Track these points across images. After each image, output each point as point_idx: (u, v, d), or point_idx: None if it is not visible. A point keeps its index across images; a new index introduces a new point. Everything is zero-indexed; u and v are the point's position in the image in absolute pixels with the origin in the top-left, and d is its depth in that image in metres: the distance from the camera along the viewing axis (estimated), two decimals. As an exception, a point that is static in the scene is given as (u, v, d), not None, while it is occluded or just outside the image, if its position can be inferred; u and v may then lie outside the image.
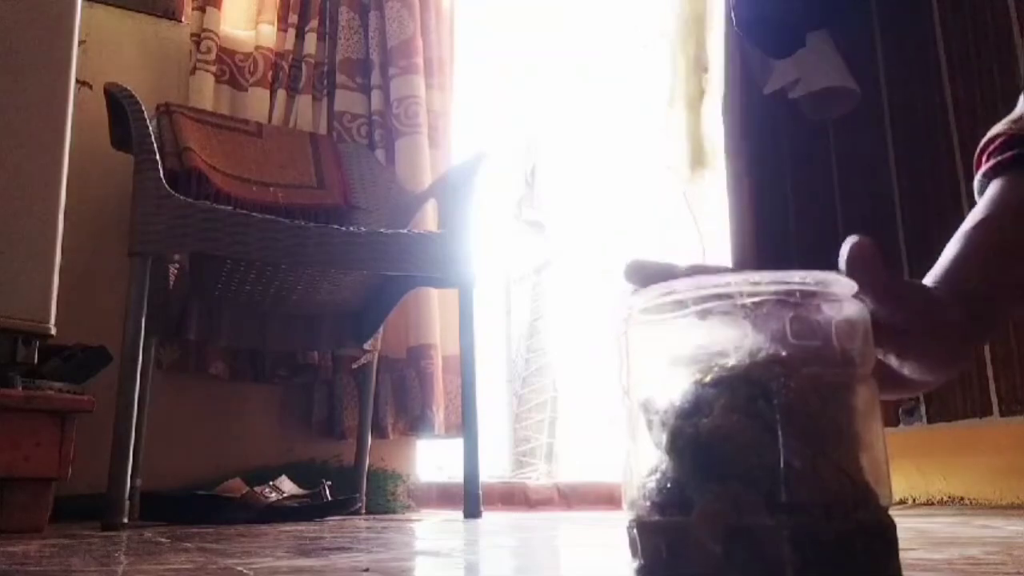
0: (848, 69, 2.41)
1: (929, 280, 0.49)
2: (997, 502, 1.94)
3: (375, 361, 1.95)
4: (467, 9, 2.42)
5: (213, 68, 1.97)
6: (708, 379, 0.33)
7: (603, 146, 2.91)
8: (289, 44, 2.07)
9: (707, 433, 0.32)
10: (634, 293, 0.37)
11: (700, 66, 2.29)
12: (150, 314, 1.37)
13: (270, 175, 1.84)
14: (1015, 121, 0.58)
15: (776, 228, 2.52)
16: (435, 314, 2.02)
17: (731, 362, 0.33)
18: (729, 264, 2.43)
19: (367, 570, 0.60)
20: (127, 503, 1.28)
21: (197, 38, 1.97)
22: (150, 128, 1.45)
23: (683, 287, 0.36)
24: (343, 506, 1.68)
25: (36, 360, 1.22)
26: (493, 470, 2.53)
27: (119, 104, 1.50)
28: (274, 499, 1.57)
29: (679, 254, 2.64)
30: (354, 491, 1.82)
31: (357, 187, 1.96)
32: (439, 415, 1.96)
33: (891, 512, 0.35)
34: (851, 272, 0.41)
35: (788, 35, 2.44)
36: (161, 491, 1.61)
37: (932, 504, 2.06)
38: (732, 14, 2.37)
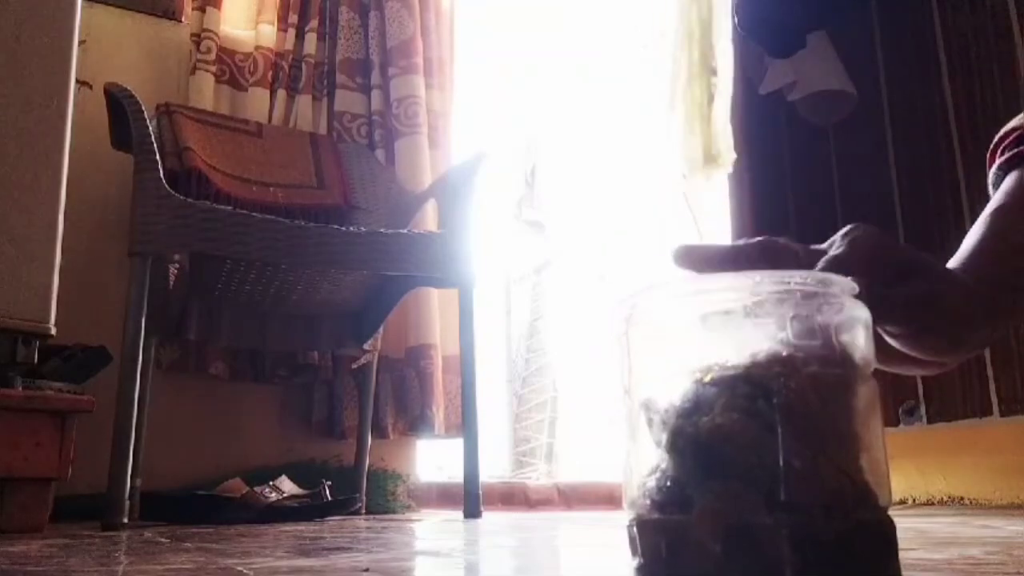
0: (846, 72, 2.41)
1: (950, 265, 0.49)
2: (997, 502, 1.94)
3: (375, 361, 1.95)
4: (467, 9, 2.42)
5: (213, 68, 1.97)
6: (708, 378, 0.33)
7: (603, 146, 2.91)
8: (289, 44, 2.07)
9: (707, 432, 0.32)
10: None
11: (709, 69, 2.29)
12: (150, 314, 1.37)
13: (270, 175, 1.84)
14: None
15: (776, 228, 2.52)
16: (435, 314, 2.02)
17: (731, 361, 0.33)
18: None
19: (367, 570, 0.60)
20: (127, 503, 1.28)
21: (197, 38, 1.97)
22: (150, 128, 1.45)
23: (681, 288, 0.36)
24: (343, 506, 1.68)
25: (36, 360, 1.22)
26: (493, 470, 2.53)
27: (119, 104, 1.50)
28: (274, 499, 1.57)
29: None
30: (354, 491, 1.82)
31: (357, 187, 1.96)
32: (439, 415, 1.96)
33: (891, 512, 0.35)
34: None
35: (789, 36, 2.45)
36: (161, 491, 1.61)
37: (932, 504, 2.06)
38: (735, 15, 2.37)
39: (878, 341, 0.45)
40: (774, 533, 0.31)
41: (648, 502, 0.35)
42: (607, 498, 2.21)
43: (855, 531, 0.32)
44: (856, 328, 0.35)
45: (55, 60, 1.29)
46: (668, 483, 0.34)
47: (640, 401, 0.36)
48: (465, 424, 1.63)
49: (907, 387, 2.15)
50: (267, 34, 2.05)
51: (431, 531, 1.24)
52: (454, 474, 2.10)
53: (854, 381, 0.34)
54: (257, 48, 2.04)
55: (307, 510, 1.58)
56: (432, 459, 2.20)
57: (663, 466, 0.34)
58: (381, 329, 1.93)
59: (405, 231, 1.72)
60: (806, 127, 2.54)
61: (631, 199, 2.87)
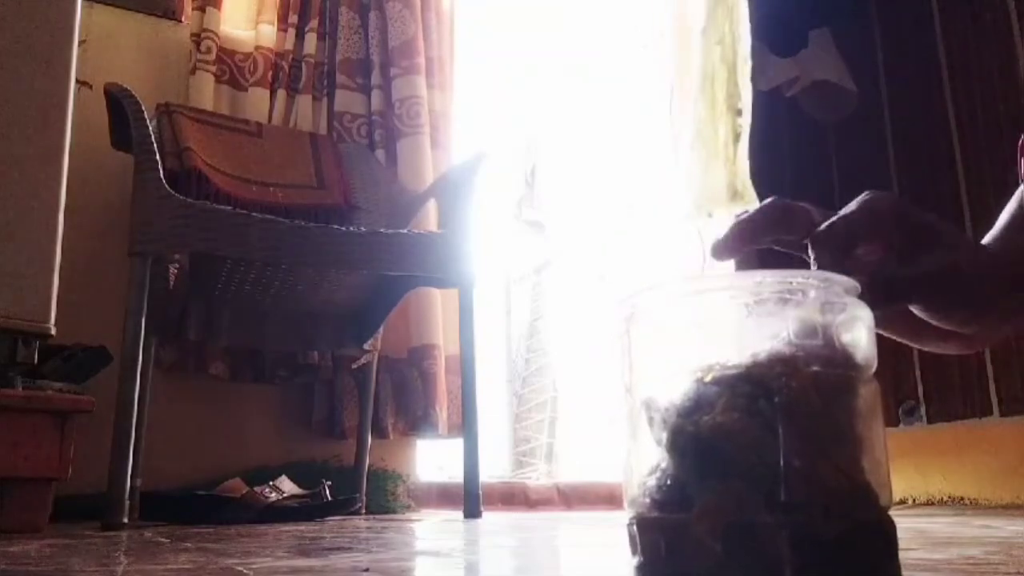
0: (848, 71, 2.42)
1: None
2: (997, 502, 1.94)
3: (375, 361, 1.95)
4: (467, 9, 2.42)
5: (213, 68, 1.97)
6: (709, 377, 0.33)
7: (603, 146, 2.91)
8: (289, 44, 2.07)
9: (708, 431, 0.32)
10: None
11: (734, 110, 2.27)
12: (150, 314, 1.37)
13: (270, 175, 1.84)
14: None
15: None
16: (438, 314, 2.02)
17: (732, 361, 0.33)
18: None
19: (367, 570, 0.60)
20: (127, 503, 1.28)
21: (197, 38, 1.97)
22: (150, 128, 1.45)
23: (682, 287, 0.36)
24: (343, 506, 1.68)
25: (36, 360, 1.22)
26: (493, 470, 2.53)
27: (119, 104, 1.50)
28: (274, 499, 1.57)
29: (679, 254, 2.64)
30: (354, 491, 1.82)
31: (357, 187, 1.96)
32: (442, 415, 1.96)
33: (891, 512, 0.35)
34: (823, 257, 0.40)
35: (790, 33, 2.45)
36: (161, 491, 1.61)
37: (932, 504, 2.06)
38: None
39: (911, 319, 0.44)
40: (774, 532, 0.31)
41: (648, 501, 0.35)
42: (607, 498, 2.21)
43: (855, 531, 0.32)
44: (858, 328, 0.35)
45: (55, 60, 1.29)
46: (668, 482, 0.34)
47: (641, 400, 0.36)
48: (465, 424, 1.63)
49: (907, 387, 2.15)
50: (267, 34, 2.05)
51: (431, 531, 1.24)
52: (454, 474, 2.10)
53: (856, 381, 0.34)
54: (257, 48, 2.04)
55: (307, 510, 1.58)
56: (432, 459, 2.21)
57: (663, 465, 0.34)
58: (381, 329, 1.93)
59: (405, 231, 1.72)
60: (807, 126, 2.54)
61: (631, 199, 2.87)
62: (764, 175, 2.54)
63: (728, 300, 0.35)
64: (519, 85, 2.86)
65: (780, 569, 0.31)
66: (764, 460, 0.31)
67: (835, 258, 0.40)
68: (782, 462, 0.31)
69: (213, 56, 1.97)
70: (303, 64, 2.06)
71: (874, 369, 0.35)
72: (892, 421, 2.15)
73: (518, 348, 2.87)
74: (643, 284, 0.35)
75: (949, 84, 2.23)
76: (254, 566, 0.61)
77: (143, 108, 1.46)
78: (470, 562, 0.72)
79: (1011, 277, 0.44)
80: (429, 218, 2.00)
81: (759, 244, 0.43)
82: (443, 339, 2.02)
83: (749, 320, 0.34)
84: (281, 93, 2.03)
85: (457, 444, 1.72)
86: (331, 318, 1.88)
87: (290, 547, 0.83)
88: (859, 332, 0.35)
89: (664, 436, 0.34)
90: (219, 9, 2.00)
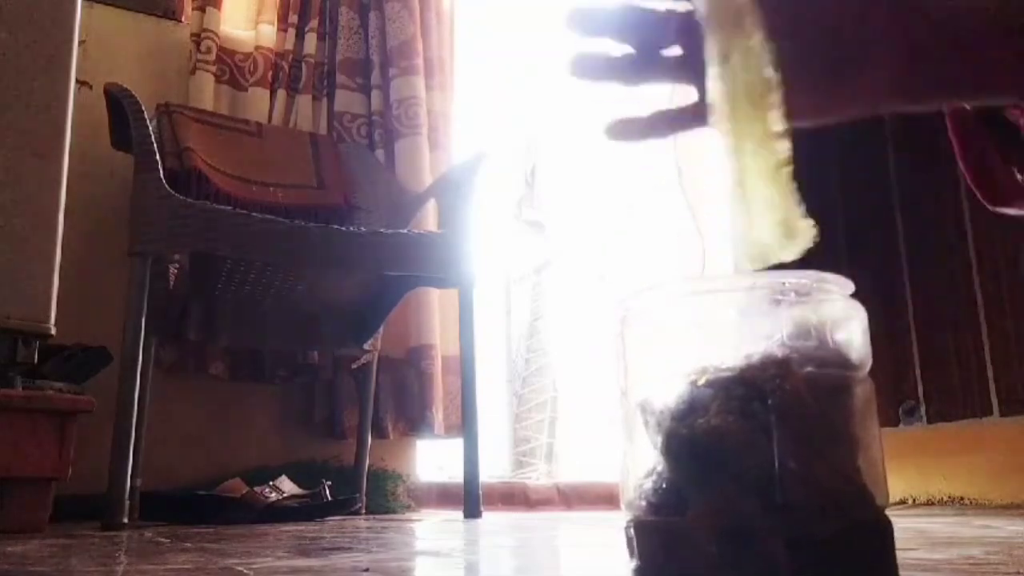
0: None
1: None
2: (997, 502, 1.94)
3: (375, 361, 1.95)
4: (467, 9, 2.42)
5: (213, 68, 1.97)
6: (703, 380, 0.33)
7: (603, 146, 2.90)
8: (289, 44, 2.07)
9: (702, 434, 0.32)
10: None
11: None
12: (150, 314, 1.37)
13: (270, 175, 1.84)
14: None
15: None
16: (435, 314, 2.02)
17: (727, 363, 0.33)
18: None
19: (367, 570, 0.60)
20: (127, 503, 1.28)
21: (197, 38, 1.97)
22: (150, 128, 1.45)
23: (675, 290, 0.36)
24: (343, 506, 1.68)
25: (36, 360, 1.22)
26: (493, 470, 2.53)
27: (119, 104, 1.50)
28: (274, 499, 1.57)
29: (679, 254, 2.64)
30: (354, 491, 1.82)
31: (357, 187, 1.96)
32: (439, 415, 1.96)
33: (891, 512, 0.35)
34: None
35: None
36: (161, 491, 1.61)
37: (932, 504, 2.06)
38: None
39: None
40: (770, 534, 0.31)
41: (644, 504, 0.35)
42: (607, 498, 2.21)
43: (851, 531, 0.32)
44: (851, 327, 0.35)
45: (55, 60, 1.29)
46: (664, 485, 0.34)
47: (637, 402, 0.36)
48: (465, 424, 1.63)
49: (907, 387, 2.15)
50: (267, 34, 2.05)
51: (431, 531, 1.24)
52: (454, 474, 2.10)
53: (850, 381, 0.34)
54: (257, 48, 2.04)
55: (307, 510, 1.58)
56: (432, 459, 2.20)
57: (659, 468, 0.34)
58: (381, 329, 1.93)
59: (405, 231, 1.72)
60: (806, 127, 2.53)
61: (631, 199, 2.87)
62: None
63: (722, 302, 0.35)
64: (519, 85, 2.86)
65: (776, 570, 0.31)
66: (758, 462, 0.31)
67: None
68: (776, 464, 0.31)
69: (213, 56, 1.97)
70: (303, 64, 2.06)
71: (868, 368, 0.35)
72: (892, 421, 2.15)
73: (518, 348, 2.87)
74: (637, 287, 0.35)
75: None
76: (254, 566, 0.61)
77: (143, 108, 1.46)
78: (470, 562, 0.72)
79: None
80: (429, 218, 2.00)
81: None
82: (440, 339, 2.02)
83: (743, 322, 0.34)
84: (281, 93, 2.03)
85: (457, 444, 1.72)
86: (331, 318, 1.88)
87: (290, 547, 0.83)
88: (853, 331, 0.35)
89: (659, 439, 0.34)
90: (219, 9, 2.00)
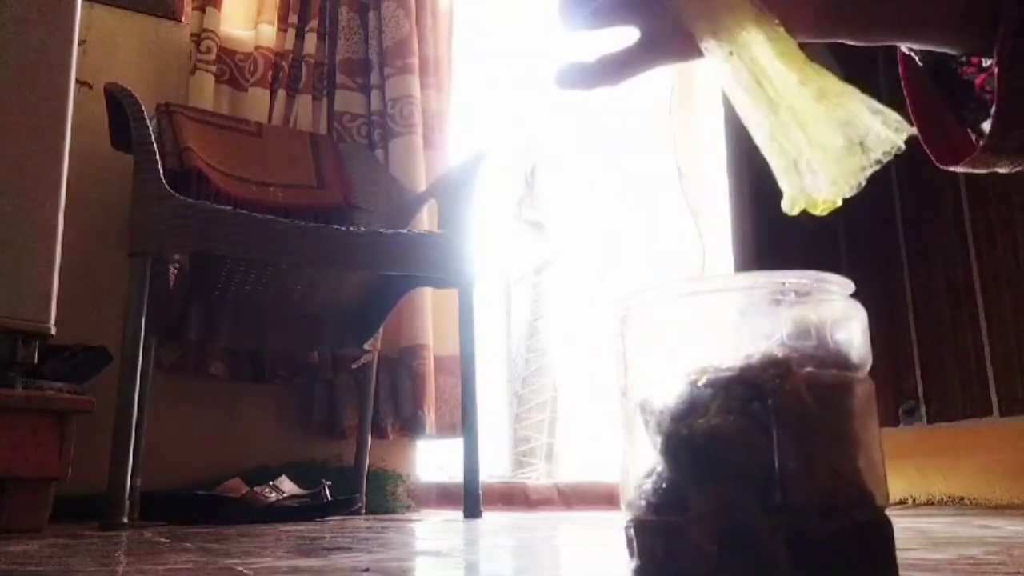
0: (840, 67, 2.41)
1: None
2: (997, 502, 1.94)
3: (375, 361, 1.95)
4: (466, 9, 2.42)
5: (213, 68, 1.97)
6: (703, 380, 0.33)
7: (603, 146, 2.90)
8: (289, 44, 2.07)
9: (702, 434, 0.32)
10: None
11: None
12: (150, 314, 1.37)
13: (270, 175, 1.84)
14: None
15: (777, 227, 2.52)
16: (427, 314, 2.01)
17: (726, 363, 0.33)
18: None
19: (367, 570, 0.60)
20: (127, 503, 1.28)
21: (197, 38, 1.97)
22: (150, 128, 1.45)
23: (675, 290, 0.36)
24: (343, 506, 1.68)
25: (36, 360, 1.22)
26: (493, 470, 2.53)
27: (119, 104, 1.50)
28: (274, 499, 1.57)
29: (679, 254, 2.64)
30: (354, 491, 1.82)
31: (357, 187, 1.96)
32: (430, 416, 1.96)
33: (891, 512, 0.35)
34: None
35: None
36: (161, 491, 1.61)
37: (932, 504, 2.06)
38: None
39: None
40: (770, 534, 0.31)
41: (644, 504, 0.35)
42: (607, 498, 2.21)
43: (851, 531, 0.32)
44: (852, 327, 0.35)
45: (55, 60, 1.29)
46: (664, 485, 0.34)
47: (637, 402, 0.36)
48: (465, 424, 1.63)
49: (907, 387, 2.15)
50: (267, 34, 2.05)
51: (431, 531, 1.24)
52: (454, 474, 2.10)
53: (850, 381, 0.34)
54: (257, 48, 2.04)
55: (307, 510, 1.58)
56: (432, 459, 2.20)
57: (659, 468, 0.34)
58: (381, 329, 1.93)
59: (405, 231, 1.72)
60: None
61: (631, 199, 2.87)
62: (765, 178, 2.54)
63: (722, 302, 0.35)
64: (519, 85, 2.86)
65: (776, 570, 0.31)
66: (758, 462, 0.31)
67: None
68: (776, 464, 0.31)
69: (213, 56, 1.97)
70: (303, 64, 2.06)
71: (868, 368, 0.35)
72: (892, 421, 2.15)
73: (518, 348, 2.87)
74: (637, 287, 0.35)
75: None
76: (254, 566, 0.61)
77: (143, 108, 1.46)
78: (470, 562, 0.72)
79: None
80: (429, 218, 2.00)
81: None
82: (439, 339, 2.02)
83: (743, 322, 0.34)
84: (281, 93, 2.03)
85: (457, 444, 1.72)
86: (331, 318, 1.88)
87: (290, 547, 0.83)
88: (853, 331, 0.35)
89: (659, 439, 0.34)
90: (219, 9, 2.00)
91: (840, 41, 0.44)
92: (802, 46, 0.39)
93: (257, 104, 2.01)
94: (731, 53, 0.37)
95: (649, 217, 2.81)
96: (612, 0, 0.43)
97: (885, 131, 0.34)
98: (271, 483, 1.64)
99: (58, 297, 1.23)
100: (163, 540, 0.95)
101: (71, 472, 1.19)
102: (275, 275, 1.68)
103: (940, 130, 0.50)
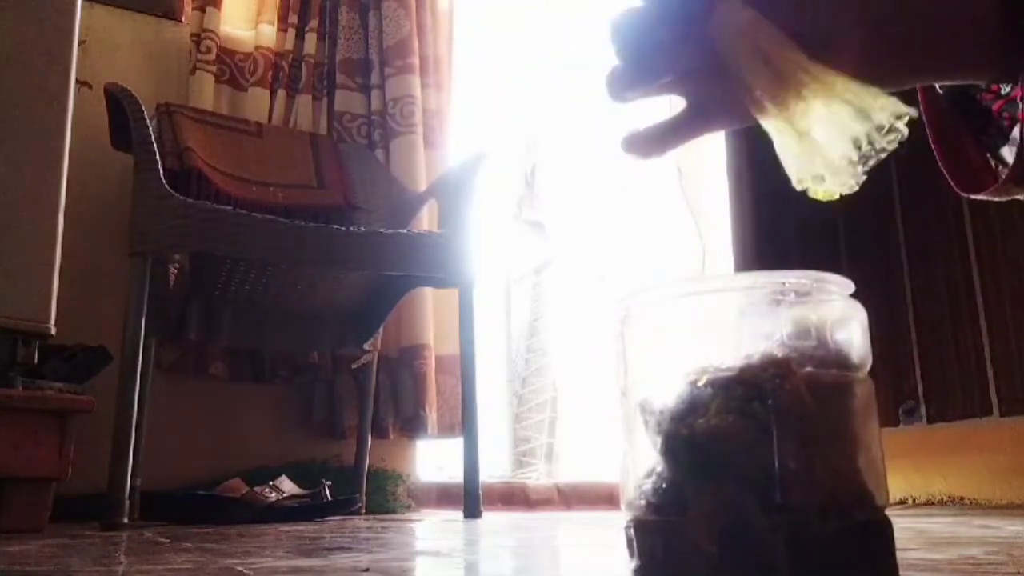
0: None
1: None
2: (997, 502, 1.94)
3: (375, 361, 1.95)
4: (466, 8, 2.42)
5: (213, 68, 1.97)
6: (703, 380, 0.33)
7: (603, 146, 2.90)
8: (289, 44, 2.07)
9: (702, 434, 0.32)
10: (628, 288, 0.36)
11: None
12: (150, 314, 1.37)
13: (270, 175, 1.84)
14: None
15: (777, 227, 2.52)
16: (428, 314, 2.01)
17: (726, 363, 0.33)
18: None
19: (367, 570, 0.60)
20: (127, 503, 1.28)
21: (197, 38, 1.97)
22: (150, 128, 1.45)
23: (675, 289, 0.36)
24: (343, 506, 1.68)
25: (36, 360, 1.22)
26: (493, 470, 2.53)
27: (119, 104, 1.50)
28: (274, 499, 1.57)
29: (678, 254, 2.64)
30: (354, 491, 1.82)
31: (357, 187, 1.96)
32: (432, 416, 1.96)
33: (891, 512, 0.35)
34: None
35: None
36: (161, 491, 1.61)
37: (932, 504, 2.06)
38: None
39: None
40: (770, 534, 0.31)
41: (644, 503, 0.35)
42: (607, 498, 2.21)
43: (851, 531, 0.32)
44: (852, 327, 0.35)
45: (55, 60, 1.29)
46: (664, 485, 0.34)
47: (637, 402, 0.36)
48: (465, 424, 1.63)
49: (907, 387, 2.15)
50: (267, 34, 2.05)
51: (431, 531, 1.24)
52: (454, 474, 2.10)
53: (850, 381, 0.34)
54: (257, 48, 2.04)
55: (307, 510, 1.58)
56: (432, 459, 2.20)
57: (659, 468, 0.34)
58: (381, 329, 1.93)
59: (405, 231, 1.72)
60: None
61: (631, 199, 2.87)
62: (765, 178, 2.54)
63: (722, 302, 0.35)
64: (519, 84, 2.86)
65: (776, 570, 0.31)
66: (758, 462, 0.31)
67: None
68: (776, 464, 0.31)
69: (213, 56, 1.97)
70: (303, 64, 2.06)
71: (868, 368, 0.35)
72: (892, 421, 2.15)
73: (518, 348, 2.87)
74: (637, 286, 0.35)
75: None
76: (254, 566, 0.61)
77: (143, 108, 1.46)
78: (470, 562, 0.72)
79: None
80: (429, 218, 2.00)
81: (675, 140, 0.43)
82: (439, 339, 2.02)
83: (743, 322, 0.34)
84: (281, 93, 2.03)
85: (457, 444, 1.72)
86: (331, 318, 1.88)
87: (290, 547, 0.83)
88: (853, 331, 0.35)
89: (659, 439, 0.34)
90: (219, 9, 2.00)
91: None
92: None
93: (257, 104, 2.01)
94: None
95: (649, 217, 2.81)
96: (659, 68, 0.43)
97: (888, 119, 0.34)
98: (271, 483, 1.64)
99: (58, 297, 1.23)
100: (163, 540, 0.95)
101: (71, 472, 1.19)
102: (275, 275, 1.68)
103: (960, 157, 0.51)
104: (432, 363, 1.99)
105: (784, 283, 0.34)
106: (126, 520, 1.26)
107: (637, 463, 0.36)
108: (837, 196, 0.36)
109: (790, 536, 0.31)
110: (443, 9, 2.28)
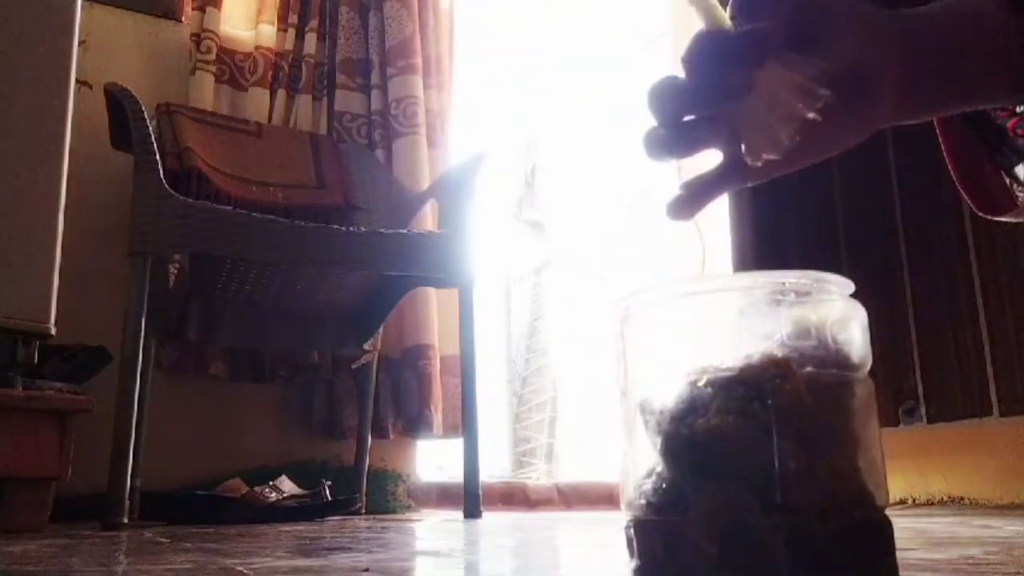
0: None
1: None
2: (997, 502, 1.94)
3: (375, 361, 1.95)
4: (467, 8, 2.42)
5: (213, 68, 1.97)
6: (703, 380, 0.33)
7: (603, 146, 2.91)
8: (289, 44, 2.07)
9: (702, 434, 0.32)
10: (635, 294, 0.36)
11: None
12: (150, 314, 1.37)
13: (270, 175, 1.84)
14: None
15: (776, 228, 2.52)
16: (433, 314, 2.01)
17: (726, 363, 0.33)
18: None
19: (367, 570, 0.60)
20: (127, 503, 1.28)
21: (197, 38, 1.97)
22: (150, 128, 1.45)
23: (675, 289, 0.36)
24: (343, 506, 1.68)
25: (36, 360, 1.22)
26: (493, 470, 2.53)
27: (119, 104, 1.50)
28: (274, 499, 1.57)
29: (679, 254, 2.64)
30: (354, 491, 1.82)
31: (357, 187, 1.96)
32: (437, 416, 1.96)
33: (891, 512, 0.35)
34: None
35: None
36: (161, 491, 1.61)
37: (932, 504, 2.06)
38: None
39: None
40: (770, 534, 0.31)
41: (644, 503, 0.35)
42: (607, 498, 2.21)
43: (851, 531, 0.32)
44: (852, 327, 0.35)
45: (55, 60, 1.29)
46: (664, 485, 0.34)
47: (637, 402, 0.36)
48: (465, 424, 1.63)
49: (907, 387, 2.15)
50: (267, 34, 2.05)
51: (431, 531, 1.24)
52: (454, 474, 2.10)
53: (851, 381, 0.34)
54: (257, 48, 2.04)
55: (307, 510, 1.58)
56: (432, 459, 2.20)
57: (659, 468, 0.34)
58: (381, 329, 1.93)
59: (405, 231, 1.72)
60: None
61: (631, 199, 2.87)
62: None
63: (722, 302, 0.35)
64: (519, 84, 2.86)
65: (776, 570, 0.31)
66: (758, 462, 0.31)
67: None
68: (776, 464, 0.31)
69: (213, 56, 1.97)
70: (303, 64, 2.06)
71: (868, 368, 0.35)
72: (892, 421, 2.15)
73: (518, 348, 2.87)
74: (637, 286, 0.36)
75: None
76: (254, 566, 0.61)
77: (143, 108, 1.46)
78: (470, 562, 0.72)
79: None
80: (429, 218, 2.00)
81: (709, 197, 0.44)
82: (439, 339, 2.02)
83: (743, 322, 0.34)
84: (281, 93, 2.03)
85: (457, 444, 1.72)
86: (331, 318, 1.88)
87: (290, 547, 0.83)
88: (853, 331, 0.35)
89: (659, 439, 0.34)
90: (219, 9, 2.00)
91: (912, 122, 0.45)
92: None
93: (257, 104, 2.01)
94: None
95: (649, 217, 2.81)
96: (695, 131, 0.44)
97: None
98: (271, 483, 1.64)
99: (58, 297, 1.23)
100: (163, 540, 0.95)
101: (71, 472, 1.19)
102: (275, 275, 1.68)
103: (978, 178, 0.51)
104: (437, 363, 1.99)
105: (784, 283, 0.34)
106: (126, 520, 1.26)
107: (637, 463, 0.36)
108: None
109: (790, 536, 0.31)
110: (444, 9, 2.28)
